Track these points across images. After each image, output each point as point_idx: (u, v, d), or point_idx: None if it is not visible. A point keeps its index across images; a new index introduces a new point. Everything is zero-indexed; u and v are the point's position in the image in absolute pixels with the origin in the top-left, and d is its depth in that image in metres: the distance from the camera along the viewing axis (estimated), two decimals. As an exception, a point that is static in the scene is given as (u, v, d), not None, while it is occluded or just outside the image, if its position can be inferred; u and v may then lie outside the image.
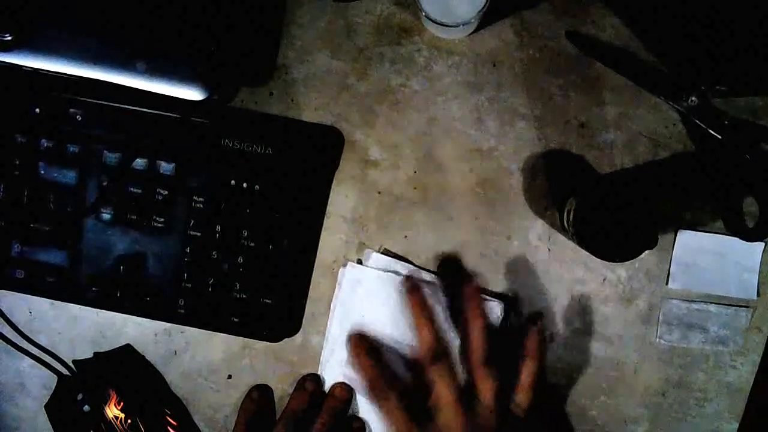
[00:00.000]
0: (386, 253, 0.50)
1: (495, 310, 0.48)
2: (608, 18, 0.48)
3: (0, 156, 0.48)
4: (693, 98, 0.46)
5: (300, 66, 0.49)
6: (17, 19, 0.43)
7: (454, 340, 0.48)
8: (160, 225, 0.48)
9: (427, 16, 0.43)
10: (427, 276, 0.49)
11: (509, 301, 0.49)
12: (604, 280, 0.49)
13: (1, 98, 0.48)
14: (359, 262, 0.50)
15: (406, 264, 0.49)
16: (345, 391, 0.49)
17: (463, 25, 0.43)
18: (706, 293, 0.49)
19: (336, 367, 0.50)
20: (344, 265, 0.50)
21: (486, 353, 0.45)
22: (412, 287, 0.48)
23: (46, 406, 0.51)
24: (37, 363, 0.51)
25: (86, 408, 0.48)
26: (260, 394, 0.50)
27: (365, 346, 0.48)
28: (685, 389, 0.50)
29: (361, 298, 0.49)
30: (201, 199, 0.48)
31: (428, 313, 0.47)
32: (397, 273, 0.49)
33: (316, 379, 0.50)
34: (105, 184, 0.48)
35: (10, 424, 0.52)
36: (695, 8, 0.46)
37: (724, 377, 0.50)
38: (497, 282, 0.49)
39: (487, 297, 0.49)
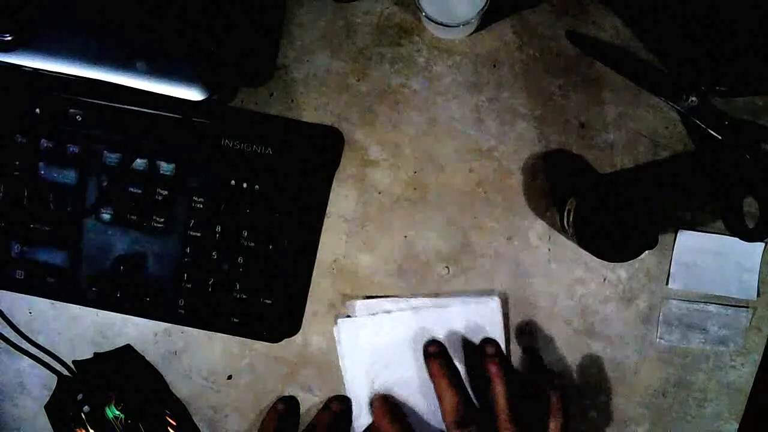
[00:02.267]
0: (369, 297, 0.50)
1: (491, 305, 0.48)
2: (608, 18, 0.48)
3: (0, 156, 0.48)
4: (693, 98, 0.46)
5: (300, 66, 0.49)
6: (17, 19, 0.43)
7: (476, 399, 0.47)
8: (160, 225, 0.48)
9: (427, 16, 0.43)
10: (415, 302, 0.49)
11: (502, 296, 0.49)
12: (604, 280, 0.49)
13: (1, 98, 0.48)
14: (347, 317, 0.50)
15: (393, 298, 0.49)
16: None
17: (463, 25, 0.43)
18: (706, 293, 0.49)
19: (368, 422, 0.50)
20: (336, 323, 0.49)
21: (512, 413, 0.44)
22: (434, 353, 0.47)
23: (46, 406, 0.51)
24: (37, 363, 0.51)
25: (86, 408, 0.48)
26: (286, 407, 0.50)
27: (388, 409, 0.48)
28: (685, 389, 0.50)
29: (364, 348, 0.49)
30: (201, 199, 0.48)
31: (451, 377, 0.46)
32: (387, 311, 0.49)
33: (343, 401, 0.50)
34: (105, 184, 0.48)
35: (10, 424, 0.52)
36: (695, 8, 0.46)
37: (724, 377, 0.50)
38: (497, 282, 0.49)
39: (483, 295, 0.49)
